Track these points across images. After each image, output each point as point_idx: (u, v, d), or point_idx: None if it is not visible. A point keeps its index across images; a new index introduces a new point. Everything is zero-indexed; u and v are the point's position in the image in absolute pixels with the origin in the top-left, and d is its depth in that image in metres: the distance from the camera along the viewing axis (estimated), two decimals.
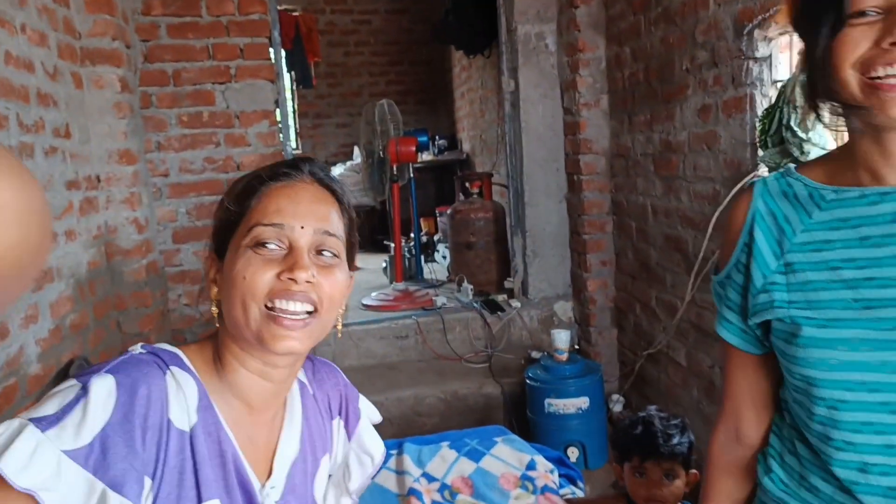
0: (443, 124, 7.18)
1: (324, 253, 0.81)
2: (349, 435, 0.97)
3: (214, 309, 0.84)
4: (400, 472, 1.79)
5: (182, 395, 0.76)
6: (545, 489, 1.68)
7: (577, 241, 3.44)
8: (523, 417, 2.98)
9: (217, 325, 0.84)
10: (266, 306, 0.77)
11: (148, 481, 0.71)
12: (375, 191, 4.29)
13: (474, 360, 3.48)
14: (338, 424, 0.96)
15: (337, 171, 6.36)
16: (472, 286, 3.96)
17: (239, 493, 0.80)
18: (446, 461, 1.83)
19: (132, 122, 2.84)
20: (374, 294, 4.19)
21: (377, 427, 1.02)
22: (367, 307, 4.01)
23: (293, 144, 3.46)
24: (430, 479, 1.75)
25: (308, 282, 0.78)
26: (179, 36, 3.12)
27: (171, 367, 0.77)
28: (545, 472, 1.76)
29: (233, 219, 0.82)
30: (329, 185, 0.85)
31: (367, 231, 6.67)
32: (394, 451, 1.89)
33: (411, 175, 4.61)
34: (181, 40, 3.13)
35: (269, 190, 0.82)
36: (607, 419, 2.99)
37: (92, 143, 2.69)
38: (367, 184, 4.36)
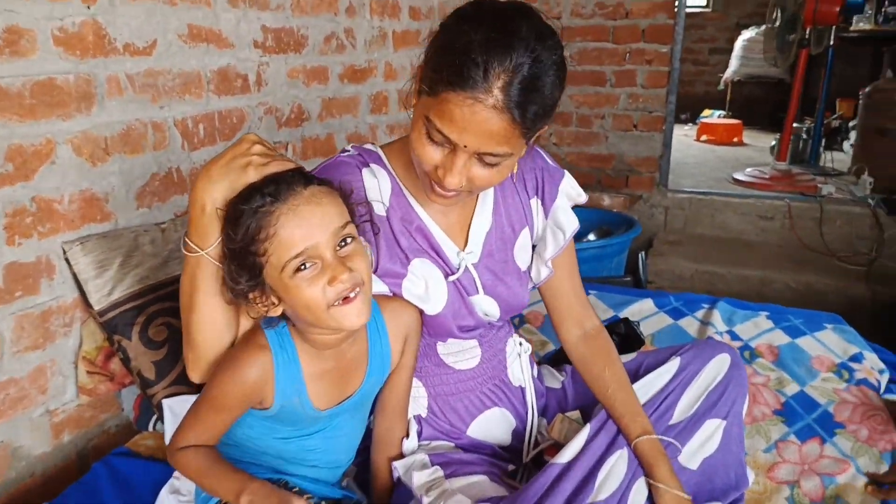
0: None
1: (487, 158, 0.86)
2: (546, 213, 1.08)
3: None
4: (704, 323, 1.75)
5: (377, 184, 0.97)
6: (862, 382, 1.47)
7: None
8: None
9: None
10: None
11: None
12: (778, 56, 3.81)
13: (848, 261, 3.04)
14: (535, 203, 1.07)
15: (747, 34, 5.74)
16: (872, 179, 3.35)
17: (435, 255, 1.00)
18: (758, 328, 1.72)
19: None
20: (748, 170, 3.88)
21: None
22: (737, 182, 3.75)
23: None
24: (735, 337, 1.68)
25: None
26: None
27: (370, 164, 0.98)
28: (871, 368, 1.52)
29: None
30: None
31: (769, 107, 5.99)
32: (706, 305, 1.85)
33: (830, 43, 3.93)
34: None
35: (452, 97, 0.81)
36: None
37: None
38: (769, 46, 3.89)
